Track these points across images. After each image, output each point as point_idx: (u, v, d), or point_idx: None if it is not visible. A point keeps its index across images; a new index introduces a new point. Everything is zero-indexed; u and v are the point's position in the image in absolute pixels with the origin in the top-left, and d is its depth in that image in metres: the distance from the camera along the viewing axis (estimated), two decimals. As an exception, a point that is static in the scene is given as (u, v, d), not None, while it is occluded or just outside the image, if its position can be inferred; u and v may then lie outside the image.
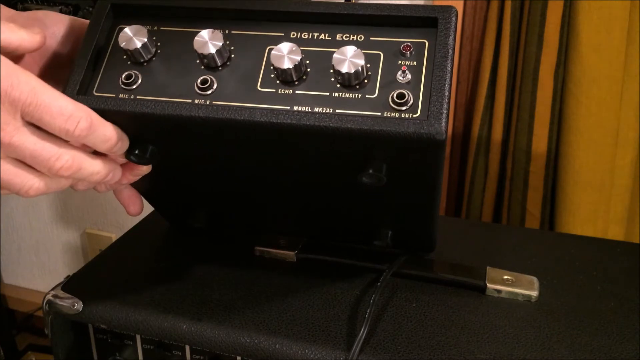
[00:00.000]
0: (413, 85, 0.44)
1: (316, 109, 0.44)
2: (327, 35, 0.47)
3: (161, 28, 0.49)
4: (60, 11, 1.10)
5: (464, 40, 1.04)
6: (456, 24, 0.45)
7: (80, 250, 1.62)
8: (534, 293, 0.57)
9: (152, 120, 0.46)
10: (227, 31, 0.48)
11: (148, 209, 0.63)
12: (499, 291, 0.58)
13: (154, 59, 0.48)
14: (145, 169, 0.51)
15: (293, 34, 0.47)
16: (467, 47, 1.04)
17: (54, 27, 0.50)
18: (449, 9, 0.44)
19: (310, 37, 0.47)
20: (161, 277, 0.62)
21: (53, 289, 0.59)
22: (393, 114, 0.43)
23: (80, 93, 0.47)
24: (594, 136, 0.94)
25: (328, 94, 0.45)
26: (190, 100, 0.46)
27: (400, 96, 0.43)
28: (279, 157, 0.51)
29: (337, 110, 0.44)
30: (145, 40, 0.46)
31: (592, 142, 0.94)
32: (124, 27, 0.47)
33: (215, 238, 0.68)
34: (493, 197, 1.07)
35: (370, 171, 0.45)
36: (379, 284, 0.57)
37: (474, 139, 1.04)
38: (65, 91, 0.46)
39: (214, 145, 0.51)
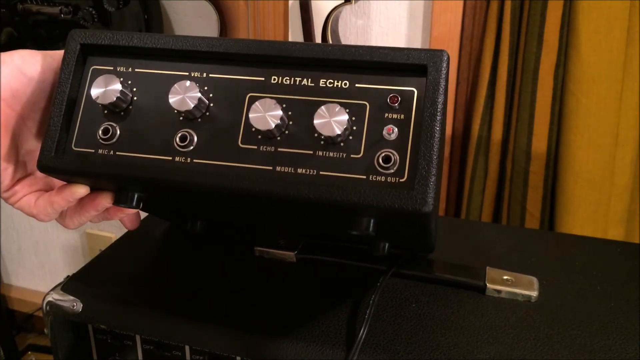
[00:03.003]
0: (400, 145, 0.41)
1: (299, 171, 0.42)
2: (309, 80, 0.44)
3: (136, 70, 0.47)
4: (60, 12, 1.09)
5: (464, 40, 1.04)
6: (447, 70, 0.42)
7: (80, 250, 1.62)
8: (534, 293, 0.57)
9: (134, 179, 0.45)
10: (204, 74, 0.46)
11: (148, 209, 0.64)
12: (498, 291, 0.58)
13: (130, 107, 0.46)
14: (135, 210, 0.51)
15: (274, 79, 0.44)
16: (467, 47, 1.04)
17: (31, 68, 0.48)
18: (439, 55, 0.41)
19: (292, 82, 0.44)
20: (161, 277, 0.62)
21: (53, 289, 0.59)
22: (378, 178, 0.41)
23: (58, 151, 0.45)
24: (593, 136, 0.94)
25: (311, 152, 0.43)
26: (170, 158, 0.44)
27: (386, 159, 0.41)
28: (266, 209, 0.50)
29: (320, 172, 0.42)
30: (119, 92, 0.44)
31: (592, 141, 0.95)
32: (97, 69, 0.46)
33: (215, 238, 0.68)
34: (493, 197, 1.07)
35: (358, 229, 0.43)
36: (379, 284, 0.57)
37: (473, 139, 1.04)
38: (42, 151, 0.45)
39: (198, 197, 0.50)
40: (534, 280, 0.59)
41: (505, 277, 0.59)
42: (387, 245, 0.56)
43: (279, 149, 0.43)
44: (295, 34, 1.05)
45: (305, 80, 0.44)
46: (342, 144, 0.42)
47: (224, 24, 1.07)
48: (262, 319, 0.54)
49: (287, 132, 0.43)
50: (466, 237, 0.70)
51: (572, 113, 0.95)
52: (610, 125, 0.94)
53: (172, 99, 0.43)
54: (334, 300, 0.57)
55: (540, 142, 0.98)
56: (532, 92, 0.96)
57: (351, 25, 1.12)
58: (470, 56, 1.05)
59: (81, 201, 0.49)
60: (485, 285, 0.58)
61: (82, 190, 0.48)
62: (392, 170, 0.41)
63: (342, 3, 1.00)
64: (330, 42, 1.01)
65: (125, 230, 0.72)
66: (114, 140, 0.45)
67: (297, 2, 1.03)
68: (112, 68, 0.47)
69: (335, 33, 1.05)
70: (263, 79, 0.45)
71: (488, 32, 0.99)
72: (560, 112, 0.97)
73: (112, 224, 1.54)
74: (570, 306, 0.57)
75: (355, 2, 1.02)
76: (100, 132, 0.46)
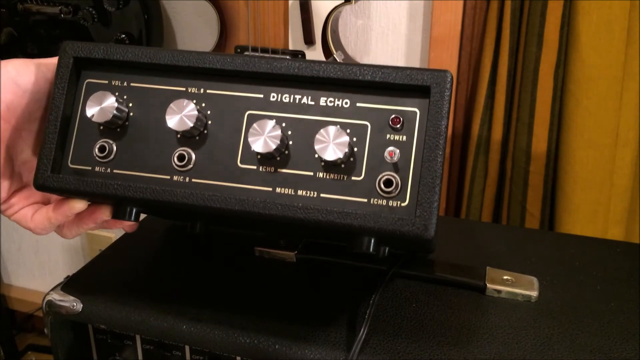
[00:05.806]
0: (402, 167, 0.41)
1: (300, 192, 0.42)
2: (309, 99, 0.43)
3: (131, 84, 0.45)
4: (60, 12, 1.09)
5: (464, 40, 1.04)
6: (451, 90, 0.41)
7: (80, 250, 1.62)
8: (534, 293, 0.57)
9: (132, 200, 0.44)
10: (202, 90, 0.44)
11: (148, 209, 0.63)
12: (498, 291, 0.58)
13: (127, 123, 0.45)
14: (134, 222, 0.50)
15: (273, 97, 0.43)
16: (467, 47, 1.04)
17: (25, 79, 0.47)
18: (443, 75, 0.40)
19: (291, 100, 0.43)
20: (161, 277, 0.62)
21: (53, 289, 0.59)
22: (380, 201, 0.41)
23: (54, 170, 0.45)
24: (593, 136, 0.94)
25: (312, 174, 0.42)
26: (168, 177, 0.44)
27: (388, 183, 0.40)
28: (266, 225, 0.50)
29: (321, 195, 0.41)
30: (115, 109, 0.43)
31: (592, 142, 0.94)
32: (92, 83, 0.45)
33: (215, 238, 0.68)
34: (493, 197, 1.07)
35: (359, 248, 0.43)
36: (379, 284, 0.57)
37: (473, 139, 1.04)
38: (38, 170, 0.45)
39: (197, 214, 0.49)
40: (534, 280, 0.59)
41: (505, 277, 0.59)
42: (386, 249, 0.56)
43: (279, 170, 0.42)
44: (295, 34, 1.05)
45: (305, 98, 0.43)
46: (342, 166, 0.42)
47: (224, 24, 1.06)
48: (262, 319, 0.54)
49: (287, 152, 0.43)
50: (466, 237, 0.70)
51: (572, 113, 0.94)
52: (610, 125, 0.94)
53: (170, 120, 0.42)
54: (334, 300, 0.57)
55: (540, 142, 0.98)
56: (532, 92, 0.96)
57: (351, 25, 1.12)
58: (470, 56, 1.05)
59: (79, 214, 0.49)
60: (485, 285, 0.58)
61: (80, 205, 0.47)
62: (393, 194, 0.41)
63: (342, 3, 1.00)
64: (331, 41, 1.01)
65: (125, 230, 0.72)
66: (111, 157, 0.45)
67: (297, 2, 1.03)
68: (106, 82, 0.46)
69: (335, 33, 1.05)
70: (262, 96, 0.44)
71: (488, 32, 0.99)
72: (560, 112, 0.97)
73: (112, 224, 1.54)
74: (570, 306, 0.57)
75: (355, 2, 1.02)
76: (96, 149, 0.45)
